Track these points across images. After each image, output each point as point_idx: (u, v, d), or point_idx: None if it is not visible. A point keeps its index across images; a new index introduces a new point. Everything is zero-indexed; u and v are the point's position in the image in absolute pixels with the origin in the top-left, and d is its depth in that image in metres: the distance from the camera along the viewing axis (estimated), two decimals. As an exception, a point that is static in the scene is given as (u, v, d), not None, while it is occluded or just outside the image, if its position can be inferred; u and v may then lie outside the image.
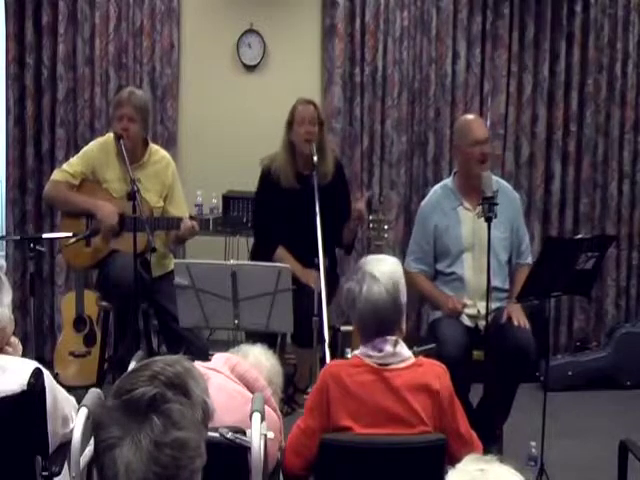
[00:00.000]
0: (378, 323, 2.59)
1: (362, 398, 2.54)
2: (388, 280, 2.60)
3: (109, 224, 4.18)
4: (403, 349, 2.61)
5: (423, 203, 4.37)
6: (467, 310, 4.06)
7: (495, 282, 4.08)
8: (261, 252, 4.53)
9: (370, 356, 2.58)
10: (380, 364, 2.58)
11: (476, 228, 4.07)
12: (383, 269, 2.63)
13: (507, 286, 4.20)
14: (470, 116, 4.47)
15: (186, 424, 1.41)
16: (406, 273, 4.44)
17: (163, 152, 4.49)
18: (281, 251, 4.45)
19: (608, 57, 5.55)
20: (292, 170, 4.43)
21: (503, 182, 4.37)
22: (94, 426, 1.44)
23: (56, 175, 4.36)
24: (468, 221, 4.15)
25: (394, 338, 2.60)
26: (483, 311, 3.78)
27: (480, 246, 3.98)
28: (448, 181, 4.32)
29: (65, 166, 4.37)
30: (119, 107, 4.24)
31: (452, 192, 4.23)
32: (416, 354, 2.70)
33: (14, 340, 2.53)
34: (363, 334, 2.63)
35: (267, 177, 4.51)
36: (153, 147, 4.42)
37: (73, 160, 4.38)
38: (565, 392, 5.08)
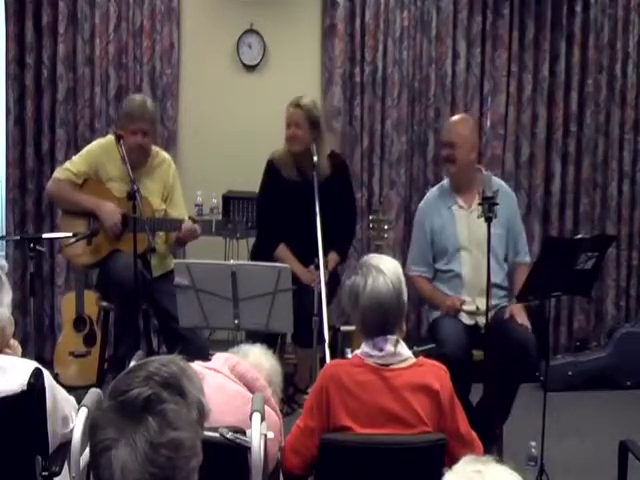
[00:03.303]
0: (382, 317, 2.58)
1: (362, 398, 2.54)
2: (393, 274, 2.62)
3: (112, 223, 4.18)
4: (403, 349, 2.61)
5: (420, 205, 4.44)
6: (466, 307, 4.08)
7: (494, 279, 4.10)
8: (262, 248, 4.54)
9: (371, 356, 2.58)
10: (380, 364, 2.57)
11: (472, 226, 4.10)
12: (387, 265, 2.64)
13: (506, 283, 4.22)
14: (455, 117, 4.51)
15: (181, 424, 1.41)
16: (407, 276, 4.47)
17: (164, 154, 4.50)
18: (282, 249, 4.47)
19: (608, 57, 5.56)
20: (291, 162, 4.47)
21: (499, 181, 4.39)
22: (90, 427, 1.44)
23: (59, 173, 4.35)
24: (463, 219, 4.19)
25: (395, 337, 2.59)
26: (482, 307, 3.79)
27: (477, 243, 4.02)
28: (445, 181, 4.38)
29: (68, 164, 4.37)
30: (132, 121, 4.19)
31: (447, 191, 4.28)
32: (416, 354, 2.69)
33: (14, 342, 2.52)
34: (365, 330, 2.62)
35: (270, 168, 4.56)
36: (154, 149, 4.43)
37: (76, 159, 4.38)
38: (565, 392, 5.08)
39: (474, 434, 2.67)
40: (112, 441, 1.38)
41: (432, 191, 4.43)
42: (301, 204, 4.14)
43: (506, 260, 4.26)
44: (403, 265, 3.01)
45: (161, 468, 1.38)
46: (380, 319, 2.58)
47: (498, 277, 4.15)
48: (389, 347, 2.57)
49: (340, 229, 4.49)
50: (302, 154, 4.39)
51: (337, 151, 4.88)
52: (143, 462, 1.37)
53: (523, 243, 4.33)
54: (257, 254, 4.59)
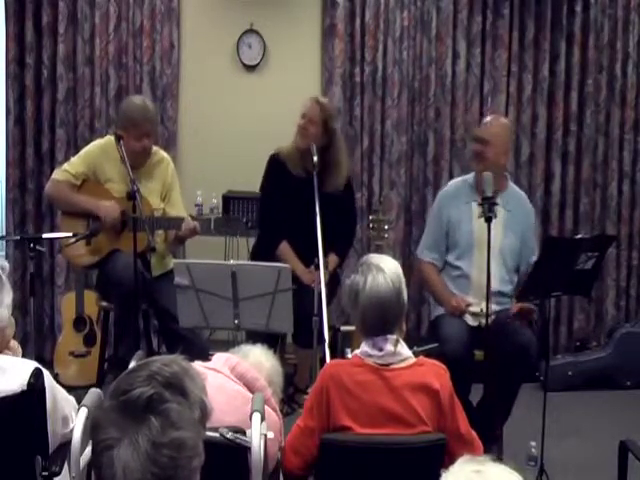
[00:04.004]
0: (382, 315, 2.57)
1: (362, 398, 2.54)
2: (393, 273, 2.62)
3: (111, 217, 4.18)
4: (403, 349, 2.60)
5: (442, 191, 4.42)
6: (471, 308, 4.05)
7: (501, 287, 4.08)
8: (264, 244, 4.54)
9: (370, 355, 2.58)
10: (380, 364, 2.57)
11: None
12: (388, 264, 2.64)
13: (512, 293, 4.18)
14: (490, 116, 4.40)
15: (184, 424, 1.41)
16: (418, 260, 4.43)
17: (163, 153, 4.50)
18: (284, 247, 4.47)
19: (608, 57, 5.56)
20: (299, 158, 4.46)
21: (522, 193, 4.41)
22: (92, 427, 1.44)
23: (57, 174, 4.35)
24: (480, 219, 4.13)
25: (395, 337, 2.59)
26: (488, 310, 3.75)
27: (491, 246, 3.93)
28: (470, 176, 4.33)
29: (66, 166, 4.36)
30: (136, 126, 4.16)
31: (470, 187, 4.23)
32: (416, 354, 2.69)
33: (14, 344, 2.52)
34: (365, 329, 2.61)
35: (274, 162, 4.55)
36: (153, 148, 4.43)
37: (74, 160, 4.38)
38: (565, 392, 5.08)
39: (474, 434, 2.67)
40: (114, 440, 1.38)
41: (455, 182, 4.39)
42: (304, 202, 4.14)
43: (517, 271, 4.23)
44: (403, 266, 2.99)
45: (163, 468, 1.38)
46: (380, 317, 2.58)
47: (506, 286, 4.13)
48: (389, 347, 2.57)
49: (341, 231, 4.49)
50: (308, 152, 4.35)
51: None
52: (145, 462, 1.37)
53: (535, 257, 4.29)
54: (259, 251, 4.59)
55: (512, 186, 4.34)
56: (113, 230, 4.21)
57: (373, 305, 2.57)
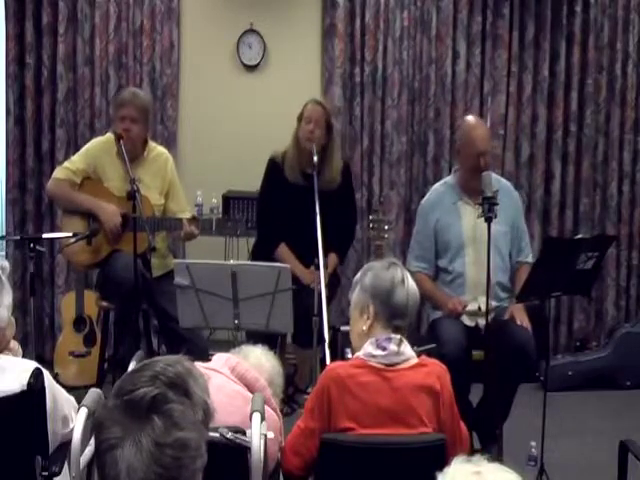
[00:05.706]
0: (405, 309, 2.61)
1: (364, 399, 2.53)
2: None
3: (112, 225, 4.18)
4: (407, 348, 2.59)
5: (423, 200, 4.38)
6: (468, 307, 4.05)
7: (499, 278, 4.09)
8: (263, 247, 4.54)
9: (374, 356, 2.57)
10: (384, 364, 2.57)
11: (477, 223, 4.05)
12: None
13: (510, 284, 4.19)
14: (473, 122, 4.30)
15: (187, 424, 1.41)
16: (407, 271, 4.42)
17: (161, 149, 4.51)
18: (283, 249, 4.46)
19: (608, 57, 5.56)
20: (297, 165, 4.45)
21: (503, 180, 4.38)
22: (95, 426, 1.44)
23: (58, 173, 4.36)
24: (468, 216, 4.14)
25: (398, 337, 2.59)
26: (484, 307, 3.76)
27: (481, 241, 3.95)
28: (448, 178, 4.34)
29: (67, 164, 4.37)
30: (121, 108, 4.24)
31: (452, 188, 4.23)
32: (416, 353, 2.69)
33: (14, 344, 2.52)
34: (385, 316, 2.62)
35: (273, 167, 4.54)
36: (151, 144, 4.44)
37: (75, 158, 4.39)
38: (565, 392, 5.08)
39: (466, 432, 2.68)
40: (118, 440, 1.38)
41: (436, 187, 4.37)
42: (306, 209, 4.13)
43: (510, 258, 4.24)
44: (403, 264, 2.99)
45: (166, 468, 1.38)
46: (408, 307, 2.60)
47: (504, 276, 4.13)
48: (392, 346, 2.56)
49: (340, 231, 4.49)
50: (309, 153, 4.34)
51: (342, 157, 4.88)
52: (149, 461, 1.37)
53: (526, 242, 4.31)
54: (258, 253, 4.59)
55: (494, 176, 4.29)
56: (113, 236, 4.21)
57: (408, 299, 2.61)
